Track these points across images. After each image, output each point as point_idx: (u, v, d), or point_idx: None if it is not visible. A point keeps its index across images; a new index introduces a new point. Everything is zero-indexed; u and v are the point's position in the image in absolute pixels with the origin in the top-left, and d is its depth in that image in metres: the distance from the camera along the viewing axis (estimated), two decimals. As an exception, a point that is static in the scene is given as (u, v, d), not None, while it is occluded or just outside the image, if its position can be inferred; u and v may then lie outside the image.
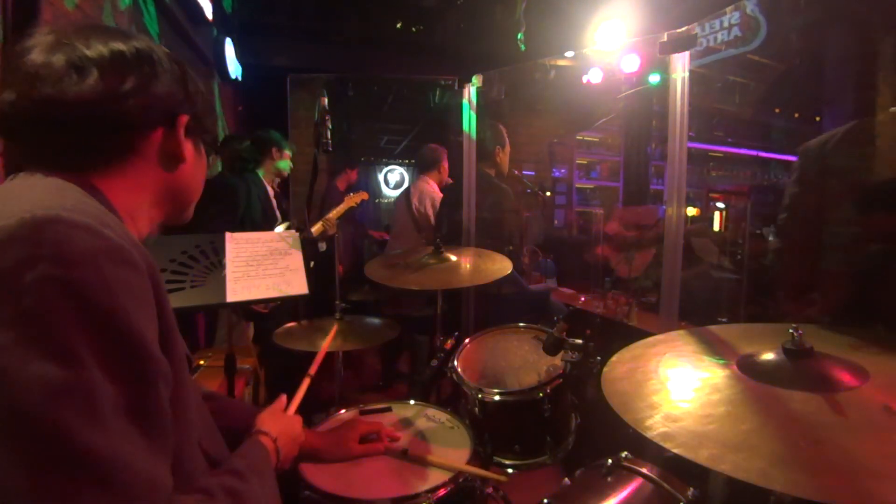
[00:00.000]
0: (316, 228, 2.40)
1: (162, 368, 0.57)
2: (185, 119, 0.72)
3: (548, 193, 5.79)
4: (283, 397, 1.06)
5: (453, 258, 1.87)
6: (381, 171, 7.05)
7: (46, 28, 0.66)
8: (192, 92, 0.74)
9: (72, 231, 0.53)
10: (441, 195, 3.24)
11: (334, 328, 1.61)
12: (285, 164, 2.79)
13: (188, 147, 0.75)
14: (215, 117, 0.93)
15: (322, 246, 2.18)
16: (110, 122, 0.64)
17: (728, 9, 1.75)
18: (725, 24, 1.75)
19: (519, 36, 3.44)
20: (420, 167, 3.47)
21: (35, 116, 0.62)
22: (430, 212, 3.23)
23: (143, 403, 0.54)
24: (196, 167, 0.79)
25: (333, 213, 2.58)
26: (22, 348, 0.48)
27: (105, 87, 0.63)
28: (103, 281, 0.52)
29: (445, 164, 3.38)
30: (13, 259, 0.50)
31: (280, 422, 0.95)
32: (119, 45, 0.66)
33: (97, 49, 0.64)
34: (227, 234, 1.59)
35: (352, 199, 2.80)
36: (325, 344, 1.37)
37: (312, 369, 1.22)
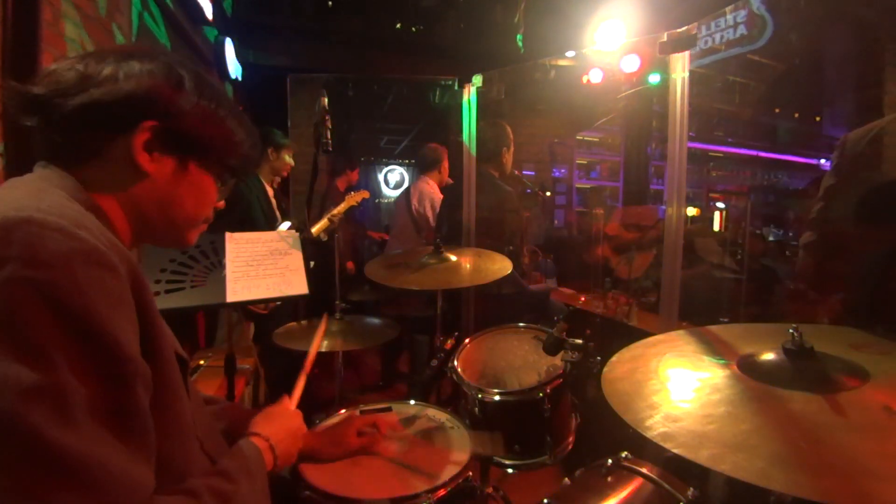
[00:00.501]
0: (318, 227, 2.40)
1: (140, 370, 0.57)
2: (147, 124, 0.67)
3: (548, 193, 5.80)
4: (285, 397, 1.06)
5: (453, 258, 1.87)
6: (381, 171, 7.06)
7: (94, 50, 0.71)
8: (181, 106, 0.69)
9: (43, 232, 0.53)
10: (441, 196, 3.23)
11: (324, 320, 1.60)
12: (286, 147, 2.78)
13: (164, 162, 0.70)
14: (238, 155, 0.80)
15: (323, 236, 2.19)
16: (72, 116, 0.65)
17: (728, 8, 1.74)
18: (731, 23, 1.74)
19: (518, 38, 3.45)
20: (420, 167, 3.46)
21: (24, 109, 0.66)
22: (430, 213, 3.23)
23: (118, 405, 0.54)
24: (176, 187, 0.72)
25: (336, 211, 2.58)
26: None
27: (63, 86, 0.65)
28: (75, 282, 0.52)
29: (446, 164, 3.38)
30: None
31: (274, 421, 0.95)
32: (125, 60, 0.67)
33: (105, 62, 0.66)
34: (227, 234, 1.59)
35: (353, 198, 2.79)
36: (317, 339, 1.36)
37: (307, 366, 1.22)
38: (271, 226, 2.61)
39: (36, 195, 0.60)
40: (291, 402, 1.06)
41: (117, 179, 0.69)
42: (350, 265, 3.63)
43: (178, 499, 0.62)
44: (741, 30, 1.77)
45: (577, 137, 6.08)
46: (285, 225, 2.64)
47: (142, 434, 0.56)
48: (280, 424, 0.94)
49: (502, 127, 2.73)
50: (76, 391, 0.50)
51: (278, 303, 2.18)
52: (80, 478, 0.49)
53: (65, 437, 0.48)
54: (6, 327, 0.49)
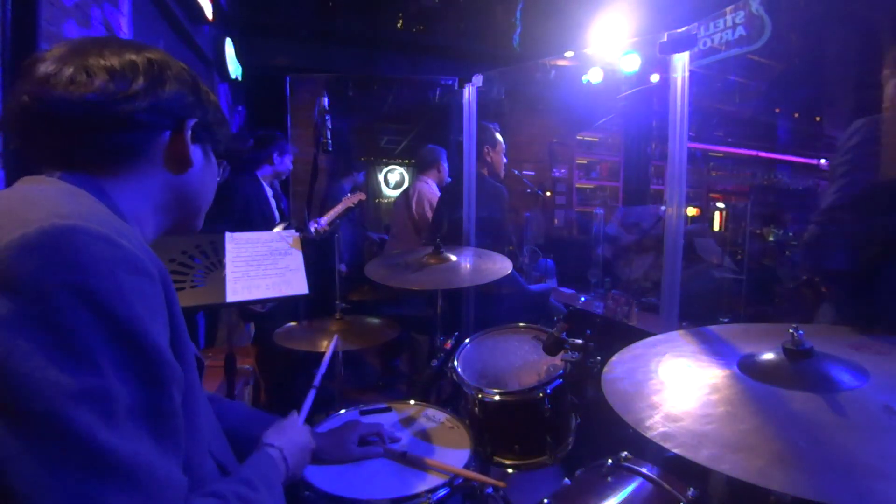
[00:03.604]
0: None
1: (175, 373, 0.59)
2: (192, 123, 0.73)
3: (548, 193, 5.80)
4: (295, 413, 1.07)
5: (453, 258, 1.87)
6: (381, 171, 7.04)
7: (65, 41, 0.70)
8: (203, 100, 0.76)
9: (89, 241, 0.54)
10: (436, 196, 3.24)
11: (334, 338, 1.60)
12: (289, 153, 2.80)
13: (196, 152, 0.76)
14: (228, 130, 0.96)
15: (316, 235, 2.22)
16: (117, 123, 0.66)
17: (728, 9, 1.74)
18: (730, 24, 1.73)
19: (516, 37, 3.46)
20: (419, 168, 3.48)
21: (46, 117, 0.64)
22: (429, 213, 3.23)
23: (158, 407, 0.56)
24: (205, 174, 0.79)
25: (329, 216, 2.58)
26: (41, 355, 0.49)
27: (113, 88, 0.65)
28: (119, 290, 0.54)
29: (444, 165, 3.38)
30: (32, 267, 0.51)
31: (286, 434, 0.97)
32: (131, 55, 0.68)
33: (110, 58, 0.67)
34: (227, 234, 1.59)
35: (349, 200, 2.78)
36: (326, 356, 1.35)
37: (317, 381, 1.21)
38: (270, 227, 2.61)
39: (74, 200, 0.61)
40: (300, 418, 1.06)
41: (157, 176, 0.72)
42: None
43: (209, 501, 0.64)
44: (740, 30, 1.76)
45: (577, 137, 6.08)
46: (281, 226, 2.64)
47: (176, 435, 0.58)
48: (291, 438, 0.96)
49: (483, 127, 2.75)
50: (121, 394, 0.52)
51: (274, 303, 2.18)
52: (129, 478, 0.50)
53: (113, 439, 0.50)
54: (55, 333, 0.50)
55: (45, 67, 0.65)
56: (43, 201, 0.59)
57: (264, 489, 0.74)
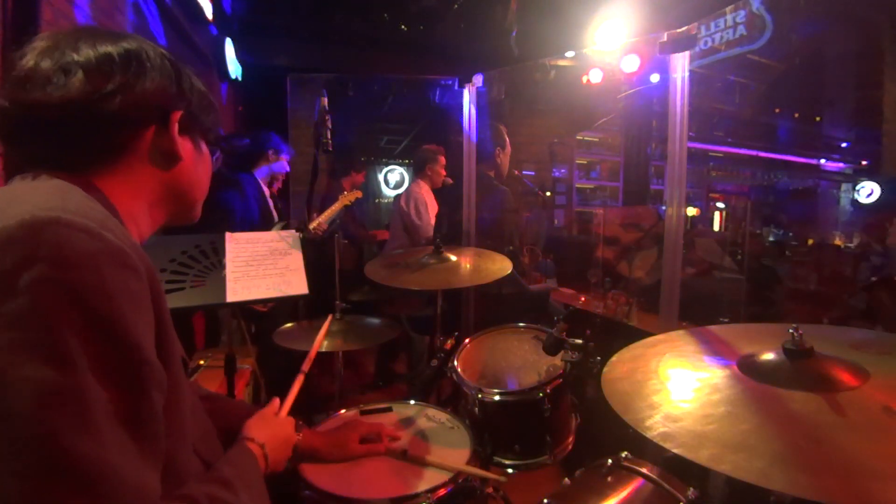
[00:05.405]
0: (313, 225, 2.41)
1: (156, 374, 0.57)
2: (177, 115, 0.71)
3: (548, 193, 5.79)
4: (276, 400, 1.04)
5: (453, 258, 1.87)
6: (381, 171, 7.05)
7: (44, 34, 0.67)
8: (186, 89, 0.73)
9: (71, 233, 0.53)
10: (427, 198, 3.25)
11: (328, 320, 1.61)
12: (284, 152, 2.80)
13: (185, 144, 0.73)
14: (218, 116, 0.95)
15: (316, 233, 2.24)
16: (98, 122, 0.64)
17: (728, 8, 1.74)
18: (730, 23, 1.73)
19: (511, 38, 3.46)
20: (413, 171, 3.52)
21: (26, 120, 0.63)
22: (413, 213, 3.24)
23: (135, 410, 0.54)
24: (197, 165, 0.77)
25: (326, 214, 2.57)
26: (16, 350, 0.48)
27: (90, 88, 0.63)
28: (101, 284, 0.52)
29: (436, 166, 3.38)
30: (11, 260, 0.50)
31: (268, 426, 0.93)
32: (107, 47, 0.66)
33: (85, 52, 0.64)
34: (228, 234, 1.59)
35: (346, 198, 2.78)
36: (318, 339, 1.35)
37: (305, 366, 1.21)
38: (268, 226, 2.61)
39: (60, 195, 0.59)
40: (285, 407, 1.04)
41: (146, 171, 0.70)
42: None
43: None
44: (741, 30, 1.76)
45: (577, 137, 6.07)
46: (280, 225, 2.64)
47: (154, 439, 0.56)
48: (274, 431, 0.93)
49: (495, 127, 2.75)
50: (96, 395, 0.50)
51: (274, 303, 2.18)
52: (91, 485, 0.48)
53: (82, 443, 0.48)
54: (32, 328, 0.49)
55: (25, 63, 0.63)
56: (28, 196, 0.57)
57: (242, 489, 0.70)
